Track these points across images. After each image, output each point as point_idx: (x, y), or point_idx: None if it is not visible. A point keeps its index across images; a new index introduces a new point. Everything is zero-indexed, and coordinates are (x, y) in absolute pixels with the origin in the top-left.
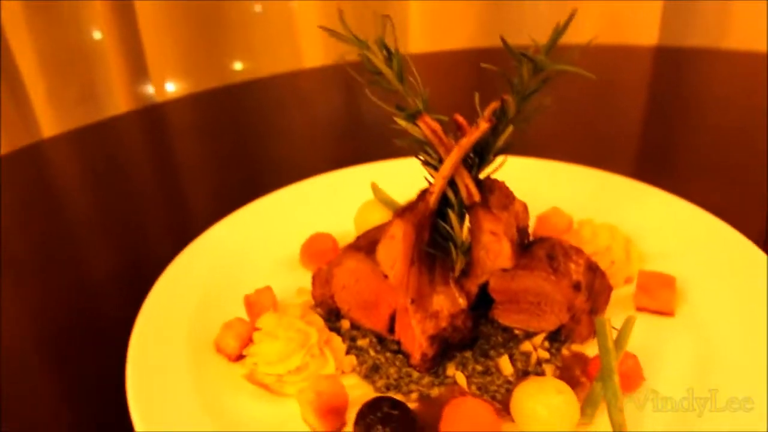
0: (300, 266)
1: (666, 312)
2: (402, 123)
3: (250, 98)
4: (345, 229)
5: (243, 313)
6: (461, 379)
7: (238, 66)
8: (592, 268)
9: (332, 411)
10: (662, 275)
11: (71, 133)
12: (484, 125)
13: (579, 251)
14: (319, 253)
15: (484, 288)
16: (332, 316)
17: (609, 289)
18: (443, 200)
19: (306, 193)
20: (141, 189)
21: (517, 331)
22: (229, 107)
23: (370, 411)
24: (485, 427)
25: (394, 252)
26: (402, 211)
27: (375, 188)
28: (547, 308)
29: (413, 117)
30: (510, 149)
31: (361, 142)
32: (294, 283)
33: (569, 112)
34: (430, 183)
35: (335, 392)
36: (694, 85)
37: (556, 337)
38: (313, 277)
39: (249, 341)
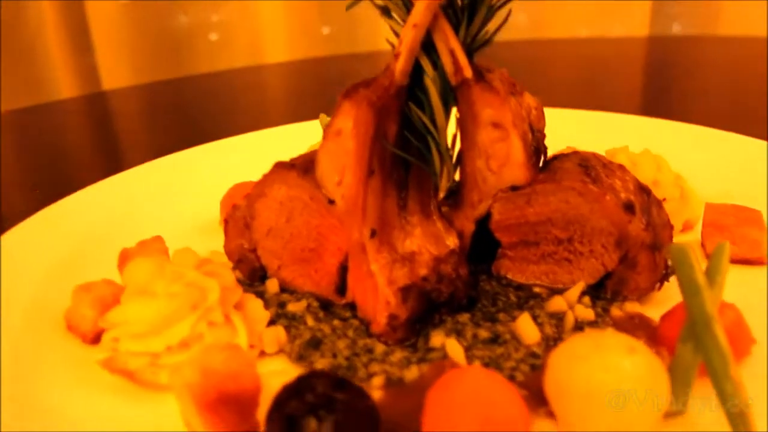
0: (220, 229)
1: (754, 259)
2: None
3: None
4: None
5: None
6: (455, 349)
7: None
8: (645, 190)
9: (228, 403)
10: (742, 208)
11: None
12: None
13: (623, 167)
14: None
15: (482, 225)
16: (256, 278)
17: (670, 226)
18: (416, 75)
19: (235, 147)
20: None
21: (537, 289)
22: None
23: (292, 394)
24: (505, 412)
25: (343, 155)
26: (352, 89)
27: (324, 121)
28: (584, 246)
29: None
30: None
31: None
32: (209, 247)
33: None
34: (393, 45)
35: (235, 371)
36: (687, 72)
37: (598, 295)
38: (226, 222)
39: None
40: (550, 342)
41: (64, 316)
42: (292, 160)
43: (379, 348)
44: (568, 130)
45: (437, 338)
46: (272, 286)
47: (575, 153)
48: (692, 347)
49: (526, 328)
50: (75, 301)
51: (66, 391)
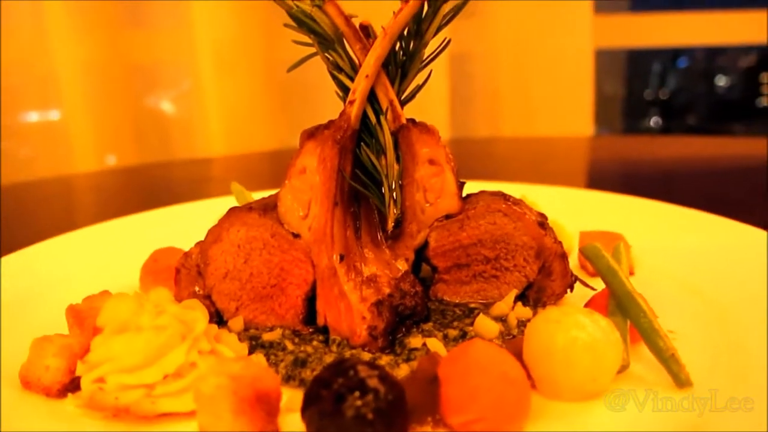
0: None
1: None
2: (306, 8)
3: None
4: None
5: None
6: (437, 345)
7: None
8: (543, 216)
9: (262, 402)
10: (608, 233)
11: None
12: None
13: (521, 200)
14: (169, 272)
15: (418, 255)
16: (211, 322)
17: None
18: (362, 123)
19: (147, 222)
20: None
21: (472, 305)
22: None
23: (335, 375)
24: (516, 370)
25: (308, 190)
26: (314, 132)
27: (236, 189)
28: (509, 262)
29: (320, 1)
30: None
31: None
32: None
33: None
34: (340, 96)
35: (257, 375)
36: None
37: (523, 303)
38: (177, 272)
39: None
40: (505, 336)
41: (18, 374)
42: (245, 204)
43: (366, 356)
44: None
45: (415, 341)
46: (236, 324)
47: (483, 190)
48: (620, 317)
49: (486, 325)
50: (35, 355)
51: None
